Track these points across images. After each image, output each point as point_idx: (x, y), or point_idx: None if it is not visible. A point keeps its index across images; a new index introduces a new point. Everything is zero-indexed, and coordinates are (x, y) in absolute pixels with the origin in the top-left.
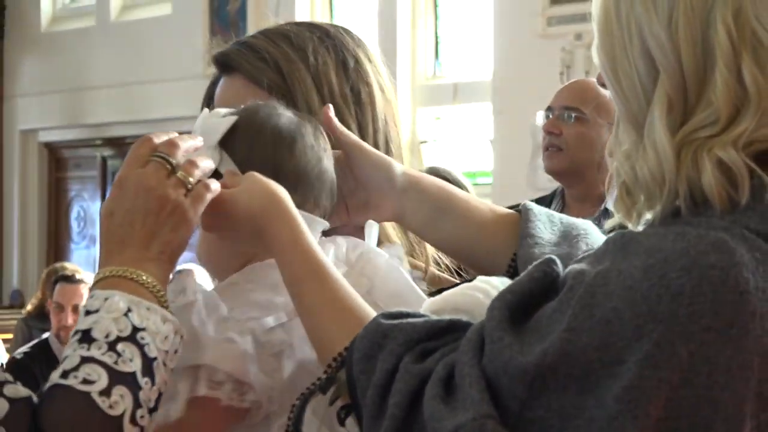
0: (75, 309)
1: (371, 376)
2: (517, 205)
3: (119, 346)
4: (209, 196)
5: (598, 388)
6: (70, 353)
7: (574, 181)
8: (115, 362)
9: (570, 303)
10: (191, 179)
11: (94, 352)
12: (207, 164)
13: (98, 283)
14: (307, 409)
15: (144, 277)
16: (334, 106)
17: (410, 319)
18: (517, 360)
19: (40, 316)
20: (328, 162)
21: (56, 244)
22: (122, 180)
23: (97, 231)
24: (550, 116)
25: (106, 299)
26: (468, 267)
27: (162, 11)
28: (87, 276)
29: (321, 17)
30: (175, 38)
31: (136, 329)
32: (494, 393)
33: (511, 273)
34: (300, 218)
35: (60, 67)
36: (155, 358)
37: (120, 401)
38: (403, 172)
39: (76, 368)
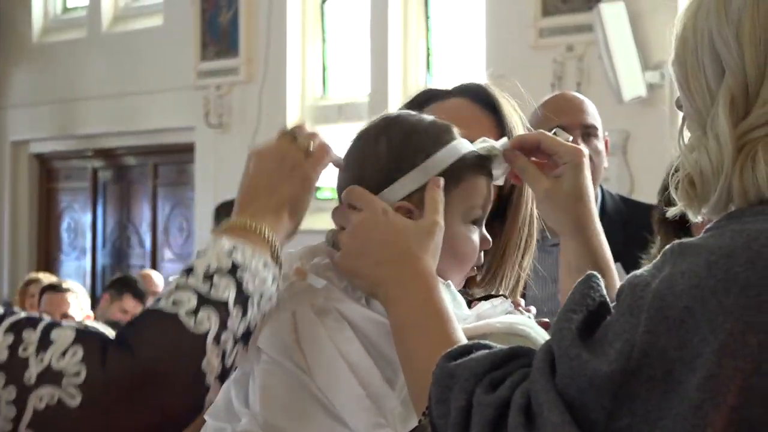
0: (63, 318)
1: (448, 419)
2: None
3: (216, 278)
4: (328, 158)
5: (679, 385)
6: (169, 284)
7: None
8: (208, 290)
9: (642, 308)
10: (311, 145)
11: (191, 281)
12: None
13: (215, 233)
14: None
15: (255, 225)
16: None
17: (472, 355)
18: (602, 371)
19: None
20: None
21: (47, 255)
22: (253, 153)
23: (87, 243)
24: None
25: (215, 241)
26: None
27: (153, 22)
28: (73, 285)
29: (312, 29)
30: (167, 49)
31: (236, 266)
32: (576, 412)
33: None
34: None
35: (51, 78)
36: (250, 296)
37: (206, 321)
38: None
39: (168, 294)
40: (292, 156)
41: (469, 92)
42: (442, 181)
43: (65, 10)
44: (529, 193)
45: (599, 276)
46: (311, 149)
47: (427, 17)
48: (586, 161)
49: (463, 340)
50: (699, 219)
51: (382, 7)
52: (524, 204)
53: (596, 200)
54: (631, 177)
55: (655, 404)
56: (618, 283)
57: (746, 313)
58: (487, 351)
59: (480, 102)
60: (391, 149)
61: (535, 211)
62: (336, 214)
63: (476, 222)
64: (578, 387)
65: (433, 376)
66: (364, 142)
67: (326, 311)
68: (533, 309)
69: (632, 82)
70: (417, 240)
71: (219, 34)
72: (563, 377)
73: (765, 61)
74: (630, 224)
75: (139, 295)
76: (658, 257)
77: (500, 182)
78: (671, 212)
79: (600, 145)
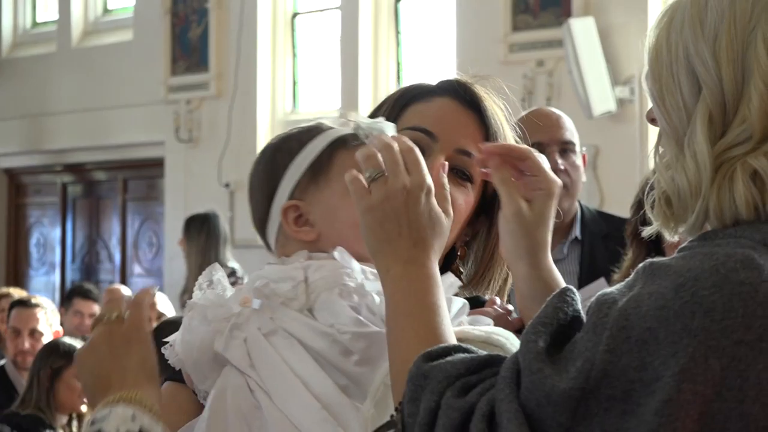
0: (32, 333)
1: (417, 418)
2: None
3: None
4: (144, 307)
5: (638, 407)
6: None
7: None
8: None
9: (605, 326)
10: (118, 312)
11: None
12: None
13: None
14: None
15: (134, 395)
16: None
17: (449, 358)
18: (560, 387)
19: None
20: None
21: (15, 271)
22: (76, 357)
23: (56, 258)
24: (551, 152)
25: (110, 408)
26: None
27: (123, 37)
28: (43, 301)
29: (282, 43)
30: (137, 64)
31: (142, 431)
32: (536, 425)
33: None
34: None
35: (21, 92)
36: None
37: None
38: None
39: None
40: (113, 333)
41: (453, 91)
42: (446, 167)
43: (35, 24)
44: None
45: (575, 291)
46: (122, 315)
47: (397, 32)
48: (558, 193)
49: (450, 339)
50: (675, 238)
51: (353, 21)
52: None
53: (576, 215)
54: (600, 192)
55: (613, 424)
56: None
57: (710, 337)
58: (464, 355)
59: (464, 101)
60: (266, 165)
61: None
62: (371, 152)
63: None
64: (537, 401)
65: (408, 374)
66: (251, 171)
67: (274, 331)
68: (510, 306)
69: (602, 97)
70: (440, 234)
71: (189, 48)
72: (525, 390)
73: (743, 78)
74: (609, 238)
75: (84, 294)
76: (631, 275)
77: None
78: (646, 232)
79: (577, 160)
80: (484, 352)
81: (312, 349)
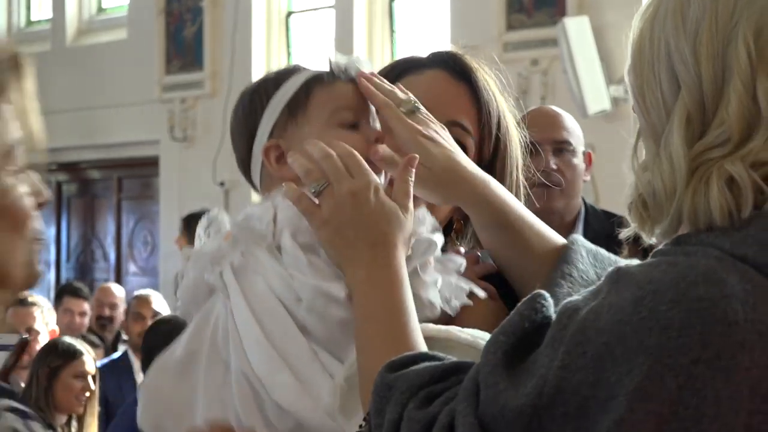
0: (28, 332)
1: (382, 430)
2: None
3: None
4: None
5: (594, 425)
6: None
7: (556, 215)
8: None
9: (563, 341)
10: None
11: None
12: None
13: None
14: None
15: None
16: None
17: (413, 367)
18: (513, 403)
19: None
20: None
21: None
22: None
23: (51, 257)
24: (543, 151)
25: None
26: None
27: (118, 36)
28: (39, 299)
29: (277, 44)
30: (131, 63)
31: None
32: None
33: None
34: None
35: None
36: None
37: None
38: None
39: None
40: None
41: (444, 63)
42: (416, 160)
43: (29, 23)
44: (512, 161)
45: (546, 296)
46: None
47: (392, 30)
48: (426, 132)
49: (417, 341)
50: (653, 240)
51: (347, 20)
52: (509, 174)
53: (579, 215)
54: (595, 190)
55: None
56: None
57: (666, 354)
58: (428, 364)
59: (455, 73)
60: (245, 108)
61: (521, 179)
62: (302, 158)
63: (351, 127)
64: (492, 415)
65: (373, 385)
66: (232, 117)
67: (243, 267)
68: (479, 253)
69: (596, 96)
70: (398, 227)
71: (183, 47)
72: (482, 402)
73: (723, 78)
74: (612, 238)
75: (74, 292)
76: (601, 280)
77: None
78: (623, 234)
79: (575, 160)
80: (452, 358)
81: (273, 289)
